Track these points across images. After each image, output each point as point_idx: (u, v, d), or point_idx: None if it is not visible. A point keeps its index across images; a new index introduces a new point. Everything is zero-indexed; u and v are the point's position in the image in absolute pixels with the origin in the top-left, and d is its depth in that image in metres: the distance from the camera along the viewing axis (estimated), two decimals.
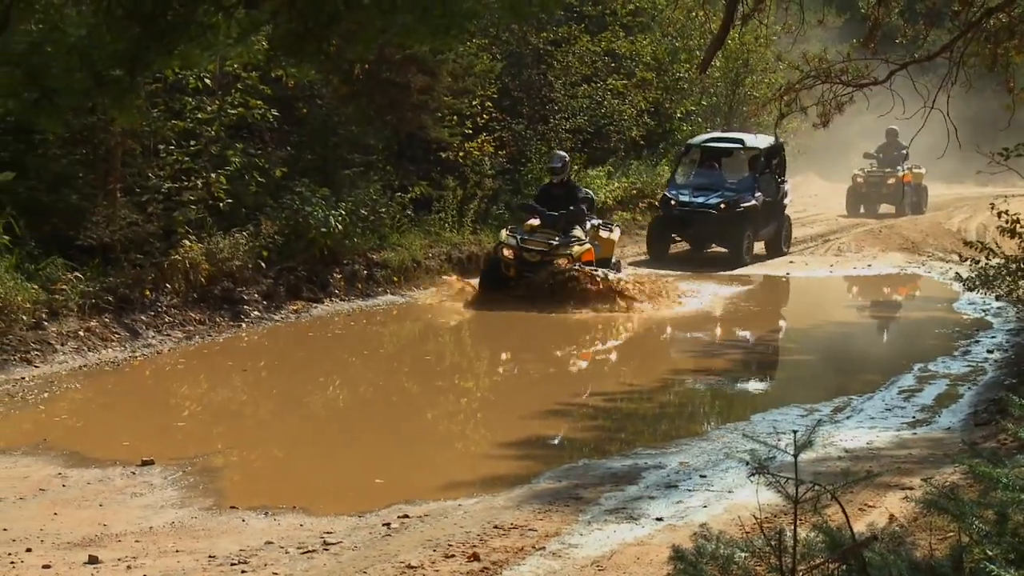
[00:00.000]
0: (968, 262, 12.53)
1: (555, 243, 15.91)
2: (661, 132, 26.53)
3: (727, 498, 7.94)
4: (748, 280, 19.05)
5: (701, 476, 8.50)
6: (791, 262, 20.96)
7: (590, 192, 17.64)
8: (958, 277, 13.29)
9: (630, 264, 19.41)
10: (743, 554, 3.86)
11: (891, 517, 6.72)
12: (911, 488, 7.87)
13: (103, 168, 14.21)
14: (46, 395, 10.54)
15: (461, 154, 19.62)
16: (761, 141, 21.97)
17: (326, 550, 6.80)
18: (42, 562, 6.45)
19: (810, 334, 15.32)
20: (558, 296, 15.46)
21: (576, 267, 15.74)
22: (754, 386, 12.63)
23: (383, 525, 7.29)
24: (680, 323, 15.39)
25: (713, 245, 20.87)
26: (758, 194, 20.62)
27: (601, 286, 15.65)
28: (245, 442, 9.70)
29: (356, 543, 6.95)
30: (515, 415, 10.67)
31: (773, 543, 3.64)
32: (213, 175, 14.84)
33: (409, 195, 18.05)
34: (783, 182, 21.90)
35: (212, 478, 8.40)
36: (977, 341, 14.18)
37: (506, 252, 15.96)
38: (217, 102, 15.31)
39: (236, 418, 10.53)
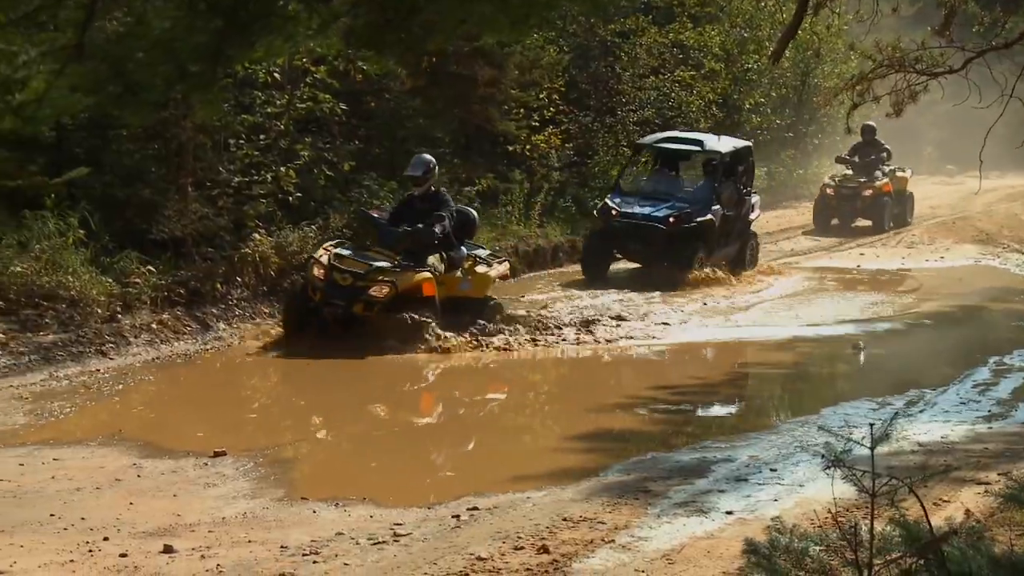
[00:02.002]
0: None
1: (378, 265, 12.29)
2: (729, 124, 26.29)
3: (798, 492, 7.88)
4: (818, 273, 18.85)
5: (771, 470, 8.44)
6: (862, 254, 20.71)
7: (469, 210, 13.96)
8: None
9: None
10: (817, 548, 3.81)
11: (967, 512, 6.62)
12: (987, 483, 7.76)
13: (175, 163, 14.38)
14: (121, 387, 10.68)
15: (528, 147, 19.60)
16: (724, 144, 18.58)
17: (396, 541, 6.83)
18: (119, 551, 6.54)
19: (881, 326, 15.12)
20: (372, 334, 12.09)
21: (381, 298, 12.16)
22: (824, 379, 12.51)
23: (452, 517, 7.30)
24: (746, 316, 15.26)
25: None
26: (716, 207, 17.39)
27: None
28: (315, 434, 9.78)
29: (426, 535, 6.97)
30: (582, 408, 10.66)
31: (849, 537, 3.60)
32: (282, 169, 14.97)
33: (476, 188, 18.07)
34: (749, 193, 18.55)
35: (283, 469, 8.47)
36: None
37: (316, 271, 12.30)
38: (286, 96, 15.44)
39: (306, 410, 10.61)
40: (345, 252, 12.45)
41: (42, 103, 2.63)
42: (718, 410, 11.08)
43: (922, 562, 3.52)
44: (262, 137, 15.11)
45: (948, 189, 30.44)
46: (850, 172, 23.50)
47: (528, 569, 6.35)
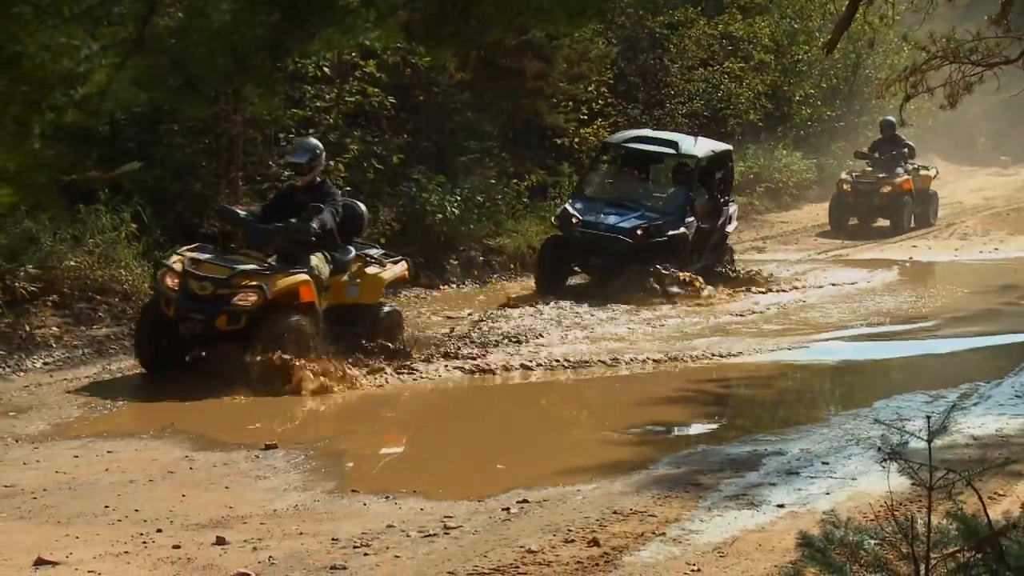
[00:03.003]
0: None
1: (242, 268, 10.27)
2: (779, 115, 26.18)
3: (850, 485, 7.83)
4: (873, 265, 18.69)
5: (823, 463, 8.37)
6: (914, 246, 20.52)
7: (355, 203, 11.76)
8: None
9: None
10: (872, 541, 3.78)
11: (1023, 505, 6.54)
12: None
13: (225, 157, 14.49)
14: (172, 379, 10.73)
15: (576, 140, 19.58)
16: (701, 147, 16.61)
17: (447, 534, 6.84)
18: (172, 542, 6.59)
19: (934, 318, 14.97)
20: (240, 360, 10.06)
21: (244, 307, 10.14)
22: (876, 372, 12.39)
23: (502, 510, 7.30)
24: (796, 310, 15.16)
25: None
26: (690, 219, 15.65)
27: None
28: (365, 427, 9.81)
29: (476, 527, 6.97)
30: (630, 401, 10.63)
31: (905, 530, 3.56)
32: (332, 163, 15.04)
33: (525, 183, 18.09)
34: (727, 203, 16.81)
35: (334, 462, 8.51)
36: None
37: (168, 280, 10.29)
38: (336, 90, 15.52)
39: (356, 403, 10.63)
40: (203, 256, 10.44)
41: (104, 96, 2.66)
42: (767, 402, 11.00)
43: (980, 556, 3.48)
44: (312, 131, 15.19)
45: (1002, 180, 30.10)
46: (869, 168, 22.20)
47: (579, 562, 6.34)
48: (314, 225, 10.51)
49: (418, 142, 17.44)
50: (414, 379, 10.87)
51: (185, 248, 10.80)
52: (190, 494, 7.55)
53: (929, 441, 3.62)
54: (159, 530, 6.81)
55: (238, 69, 2.76)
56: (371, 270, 11.33)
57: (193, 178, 14.14)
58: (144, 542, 6.62)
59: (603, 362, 11.67)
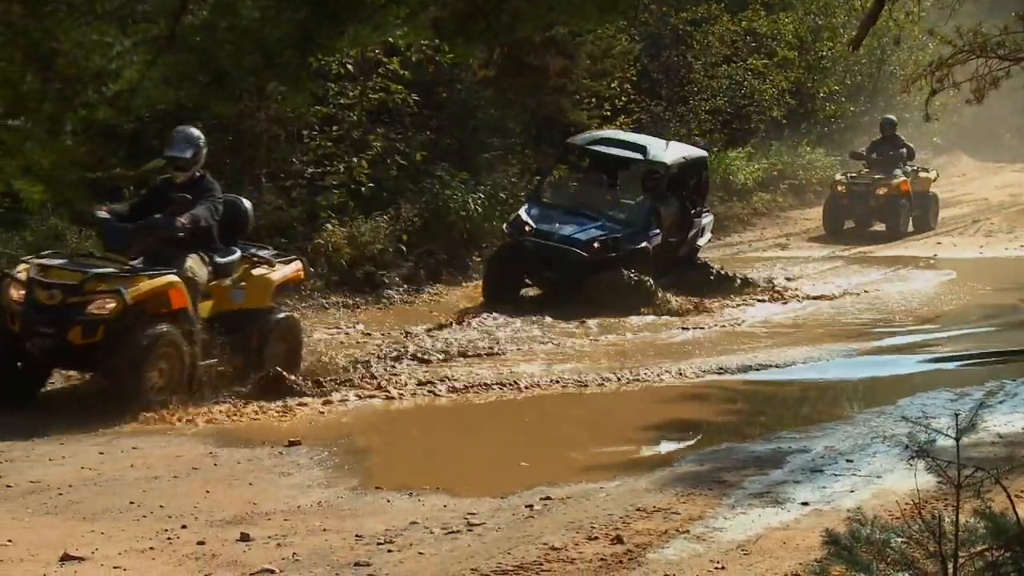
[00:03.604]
0: None
1: (97, 272, 9.02)
2: (803, 112, 26.10)
3: (875, 483, 7.81)
4: (899, 262, 18.61)
5: (847, 460, 8.35)
6: (938, 243, 20.42)
7: (239, 199, 10.54)
8: None
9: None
10: (899, 539, 3.76)
11: None
12: None
13: (248, 154, 14.54)
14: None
15: None
16: (671, 153, 15.26)
17: (470, 531, 6.85)
18: (197, 538, 6.62)
19: (959, 316, 14.89)
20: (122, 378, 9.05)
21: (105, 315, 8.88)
22: (901, 369, 12.33)
23: (526, 507, 7.30)
24: (816, 306, 15.11)
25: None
26: (655, 231, 14.45)
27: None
28: (388, 424, 9.82)
29: (499, 524, 6.98)
30: (654, 398, 10.62)
31: (932, 528, 3.55)
32: (355, 160, 15.09)
33: (547, 179, 18.07)
34: (700, 214, 15.60)
35: (357, 459, 8.52)
36: None
37: (12, 292, 9.04)
38: (359, 87, 15.55)
39: (379, 400, 10.63)
40: (53, 262, 9.19)
41: (135, 93, 2.68)
42: (791, 399, 10.96)
43: (1008, 554, 3.46)
44: (335, 128, 15.25)
45: None
46: (866, 169, 21.19)
47: (602, 559, 6.34)
48: (182, 220, 9.28)
49: (441, 139, 17.45)
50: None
51: (34, 256, 9.56)
52: (214, 490, 7.58)
53: (957, 439, 3.60)
54: (184, 526, 6.83)
55: (266, 66, 2.77)
56: (258, 272, 10.25)
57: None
58: (169, 538, 6.64)
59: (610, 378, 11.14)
